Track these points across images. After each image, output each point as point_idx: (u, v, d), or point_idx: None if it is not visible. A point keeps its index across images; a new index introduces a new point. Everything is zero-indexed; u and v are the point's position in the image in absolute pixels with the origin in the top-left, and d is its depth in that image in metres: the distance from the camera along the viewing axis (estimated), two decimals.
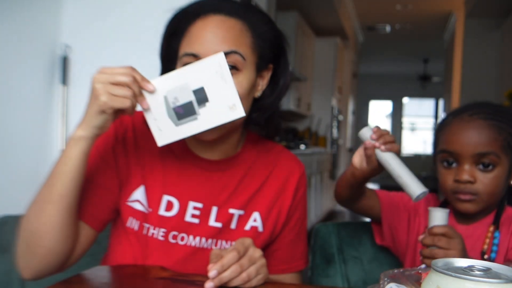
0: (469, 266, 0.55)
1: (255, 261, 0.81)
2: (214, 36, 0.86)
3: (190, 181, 0.94)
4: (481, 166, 0.95)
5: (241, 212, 0.97)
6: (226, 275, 0.77)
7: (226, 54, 0.83)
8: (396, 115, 12.75)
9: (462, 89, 5.89)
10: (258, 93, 0.95)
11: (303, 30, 5.68)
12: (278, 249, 1.03)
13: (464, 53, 5.95)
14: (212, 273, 0.76)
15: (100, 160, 0.91)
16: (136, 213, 0.93)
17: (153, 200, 0.93)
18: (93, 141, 0.81)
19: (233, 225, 0.96)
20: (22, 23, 1.90)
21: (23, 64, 1.93)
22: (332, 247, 1.25)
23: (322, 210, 5.91)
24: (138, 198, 0.93)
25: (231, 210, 0.96)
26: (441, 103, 11.06)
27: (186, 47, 0.87)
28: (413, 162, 11.24)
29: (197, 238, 0.94)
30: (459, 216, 1.03)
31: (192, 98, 0.82)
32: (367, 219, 1.17)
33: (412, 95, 12.49)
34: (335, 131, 6.93)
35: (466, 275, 0.51)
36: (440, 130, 1.02)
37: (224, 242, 0.96)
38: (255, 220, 0.98)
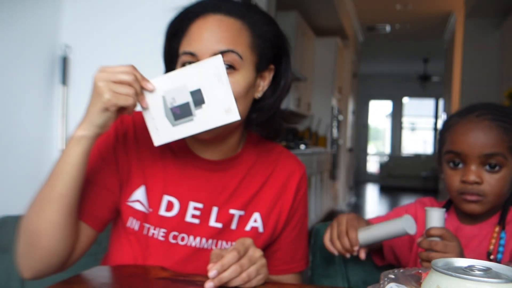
0: (469, 266, 0.55)
1: (255, 261, 0.81)
2: (212, 35, 0.86)
3: (190, 182, 0.94)
4: (487, 167, 0.95)
5: (242, 212, 0.97)
6: (226, 275, 0.77)
7: (223, 53, 0.84)
8: (396, 115, 12.75)
9: (462, 89, 5.89)
10: (258, 94, 0.95)
11: (303, 30, 5.68)
12: (278, 249, 1.03)
13: (464, 53, 5.95)
14: (212, 273, 0.76)
15: (100, 160, 0.91)
16: (136, 213, 0.93)
17: (153, 200, 0.93)
18: (94, 141, 0.81)
19: (233, 226, 0.96)
20: (22, 23, 1.90)
21: (23, 64, 1.93)
22: None
23: (322, 210, 5.91)
24: (138, 198, 0.93)
25: (232, 211, 0.96)
26: (441, 103, 11.06)
27: (185, 45, 0.88)
28: (413, 162, 11.27)
29: (198, 239, 0.94)
30: (463, 216, 1.03)
31: (189, 99, 0.82)
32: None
33: (412, 95, 12.49)
34: (335, 131, 6.93)
35: (466, 275, 0.51)
36: (446, 131, 1.02)
37: (224, 243, 0.96)
38: (255, 221, 0.98)
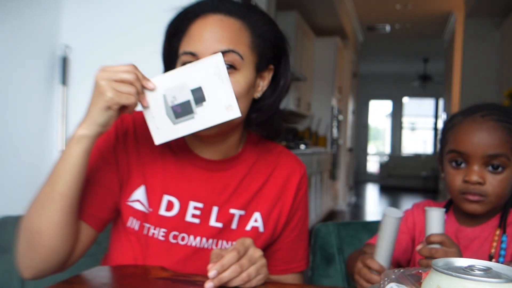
0: (469, 266, 0.55)
1: (255, 261, 0.81)
2: (212, 35, 0.86)
3: (190, 181, 0.94)
4: (490, 168, 0.95)
5: (242, 212, 0.97)
6: (226, 275, 0.77)
7: (224, 53, 0.84)
8: (396, 115, 12.75)
9: (462, 89, 5.88)
10: (258, 94, 0.95)
11: (303, 30, 5.68)
12: (279, 249, 1.03)
13: (464, 53, 5.95)
14: (211, 273, 0.76)
15: (101, 160, 0.91)
16: (136, 213, 0.93)
17: (153, 200, 0.93)
18: (95, 140, 0.81)
19: (234, 225, 0.96)
20: (22, 23, 1.90)
21: (23, 64, 1.93)
22: (332, 247, 1.25)
23: (322, 210, 5.91)
24: (138, 198, 0.93)
25: (232, 210, 0.96)
26: (441, 103, 11.06)
27: (185, 45, 0.88)
28: (413, 162, 11.26)
29: (198, 238, 0.94)
30: (463, 218, 1.02)
31: (190, 97, 0.82)
32: (367, 219, 1.17)
33: (412, 95, 12.49)
34: (335, 131, 6.93)
35: (467, 274, 0.51)
36: (449, 130, 1.01)
37: (224, 242, 0.96)
38: (256, 221, 0.98)
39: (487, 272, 0.53)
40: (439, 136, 1.07)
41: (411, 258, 1.08)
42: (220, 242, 0.95)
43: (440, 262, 0.57)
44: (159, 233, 0.92)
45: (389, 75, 12.05)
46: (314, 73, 6.53)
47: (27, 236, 0.82)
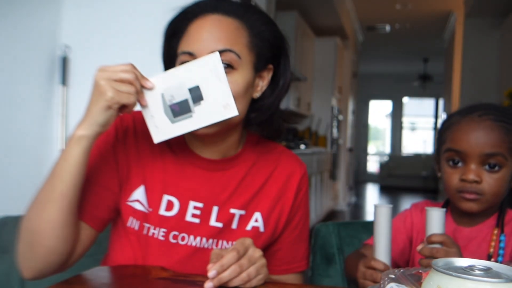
0: (469, 266, 0.55)
1: (255, 261, 0.81)
2: (210, 35, 0.87)
3: (190, 181, 0.94)
4: (487, 167, 0.95)
5: (242, 212, 0.97)
6: (226, 275, 0.77)
7: (221, 52, 0.84)
8: (396, 115, 12.75)
9: (462, 88, 5.89)
10: (257, 94, 0.95)
11: (303, 30, 5.68)
12: (279, 249, 1.03)
13: (464, 53, 5.95)
14: (211, 273, 0.76)
15: (100, 160, 0.91)
16: (136, 213, 0.93)
17: (153, 200, 0.93)
18: (94, 140, 0.81)
19: (234, 225, 0.96)
20: (22, 23, 1.90)
21: (23, 64, 1.93)
22: (332, 247, 1.25)
23: (322, 210, 5.91)
24: (138, 198, 0.93)
25: (232, 210, 0.96)
26: (441, 102, 11.05)
27: (183, 45, 0.89)
28: (413, 162, 11.26)
29: (198, 238, 0.94)
30: (460, 218, 1.03)
31: (187, 96, 0.83)
32: (367, 219, 1.17)
33: (412, 94, 12.49)
34: (335, 131, 6.93)
35: (467, 274, 0.51)
36: (446, 129, 1.02)
37: (225, 242, 0.95)
38: (256, 220, 0.98)
39: (487, 272, 0.53)
40: (436, 136, 1.08)
41: (409, 259, 1.08)
42: (220, 242, 0.95)
43: (440, 262, 0.57)
44: (159, 233, 0.92)
45: (389, 75, 12.05)
46: (314, 73, 6.53)
47: (27, 236, 0.82)
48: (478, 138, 0.95)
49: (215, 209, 0.95)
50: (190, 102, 0.83)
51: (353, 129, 8.78)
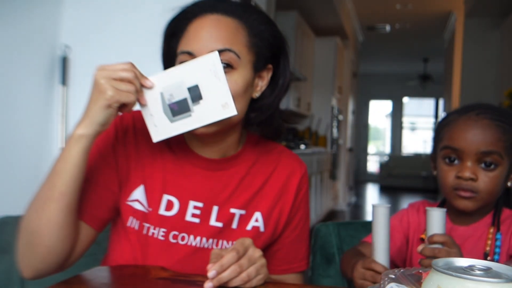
0: (469, 266, 0.55)
1: (254, 261, 0.81)
2: (209, 35, 0.87)
3: (190, 181, 0.94)
4: (483, 165, 0.96)
5: (242, 212, 0.97)
6: (225, 275, 0.77)
7: (220, 52, 0.84)
8: (396, 115, 12.75)
9: (462, 88, 5.89)
10: (257, 94, 0.95)
11: (303, 30, 5.68)
12: (279, 249, 1.03)
13: (464, 53, 5.95)
14: (211, 273, 0.76)
15: (100, 159, 0.91)
16: (136, 213, 0.93)
17: (153, 200, 0.93)
18: (94, 139, 0.81)
19: (234, 225, 0.96)
20: (22, 23, 1.90)
21: (23, 64, 1.93)
22: (332, 247, 1.25)
23: (322, 210, 5.91)
24: (137, 197, 0.93)
25: (232, 210, 0.96)
26: (441, 102, 11.06)
27: (182, 45, 0.89)
28: (413, 162, 11.26)
29: (198, 238, 0.94)
30: (456, 217, 1.03)
31: (186, 95, 0.83)
32: (367, 219, 1.17)
33: (412, 94, 12.49)
34: (335, 131, 6.93)
35: (467, 274, 0.51)
36: (443, 127, 1.02)
37: (225, 242, 0.95)
38: (256, 220, 0.98)
39: (487, 272, 0.53)
40: (433, 134, 1.09)
41: (406, 258, 1.09)
42: (220, 241, 0.95)
43: (440, 262, 0.57)
44: (158, 232, 0.92)
45: (389, 75, 12.05)
46: (314, 73, 6.53)
47: (27, 236, 0.82)
48: (475, 136, 0.96)
49: (215, 209, 0.95)
50: (189, 101, 0.83)
51: (353, 129, 8.78)
